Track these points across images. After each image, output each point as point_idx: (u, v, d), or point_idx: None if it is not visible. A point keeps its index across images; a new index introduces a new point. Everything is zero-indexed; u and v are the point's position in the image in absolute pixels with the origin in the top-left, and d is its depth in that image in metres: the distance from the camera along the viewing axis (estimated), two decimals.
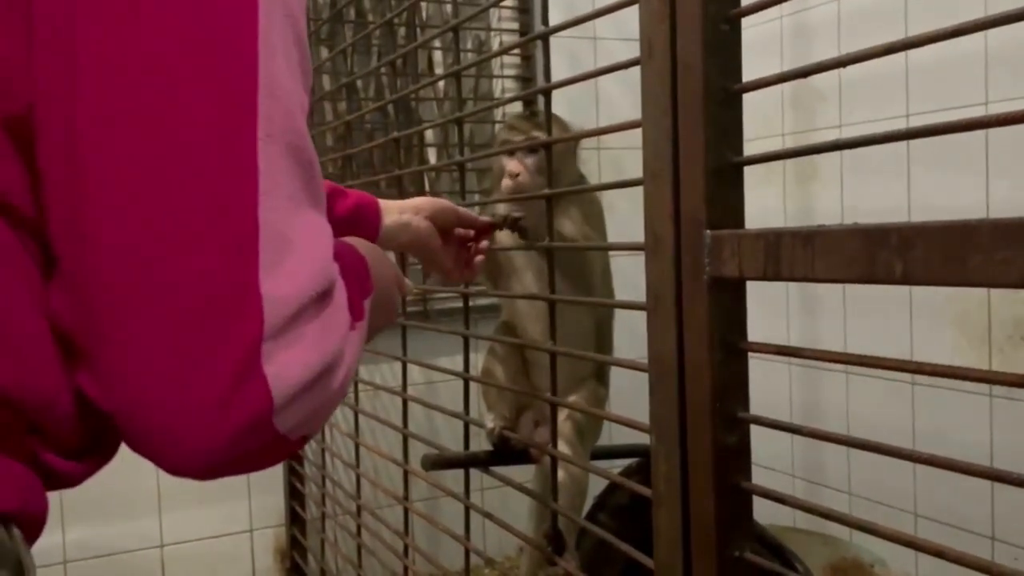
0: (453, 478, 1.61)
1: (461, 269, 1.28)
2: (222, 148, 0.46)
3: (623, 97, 2.70)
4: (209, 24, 0.47)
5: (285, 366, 0.47)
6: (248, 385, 0.46)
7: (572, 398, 1.69)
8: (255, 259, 0.46)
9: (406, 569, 1.74)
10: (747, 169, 0.72)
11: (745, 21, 0.72)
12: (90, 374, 0.47)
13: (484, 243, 1.30)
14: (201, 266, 0.45)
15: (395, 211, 1.17)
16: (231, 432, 0.46)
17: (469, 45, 2.76)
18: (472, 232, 1.28)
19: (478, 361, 1.87)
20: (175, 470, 0.48)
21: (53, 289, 0.48)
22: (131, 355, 0.45)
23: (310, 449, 2.43)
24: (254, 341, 0.46)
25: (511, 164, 1.62)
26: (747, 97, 0.72)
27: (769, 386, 2.63)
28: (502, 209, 1.41)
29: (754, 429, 0.73)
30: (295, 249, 0.48)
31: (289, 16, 0.51)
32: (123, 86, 0.45)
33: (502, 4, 2.75)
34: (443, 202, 1.23)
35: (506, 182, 1.62)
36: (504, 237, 1.69)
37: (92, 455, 0.53)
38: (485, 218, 1.32)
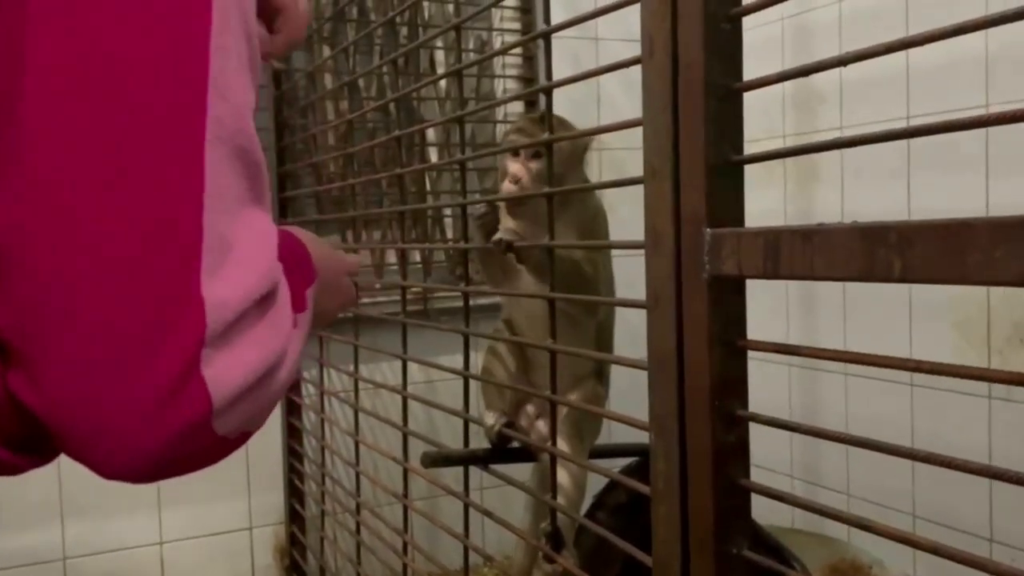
0: (453, 477, 1.62)
1: None
2: (169, 150, 0.46)
3: (625, 99, 2.70)
4: (160, 23, 0.46)
5: (225, 370, 0.47)
6: (186, 390, 0.45)
7: (571, 396, 1.70)
8: (197, 263, 0.46)
9: (405, 567, 1.74)
10: (747, 172, 0.72)
11: (746, 23, 0.72)
12: (22, 374, 0.46)
13: None
14: (142, 269, 0.45)
15: None
16: (168, 437, 0.46)
17: (471, 45, 2.76)
18: None
19: (478, 360, 1.87)
20: (111, 475, 0.47)
21: None
22: (66, 356, 0.44)
23: (310, 447, 2.43)
24: (194, 346, 0.45)
25: (514, 167, 1.61)
26: (748, 99, 0.72)
27: (768, 388, 2.64)
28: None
29: (752, 431, 0.73)
30: (239, 252, 0.48)
31: (242, 12, 0.50)
32: (69, 85, 0.44)
33: (504, 4, 2.76)
34: None
35: (507, 185, 1.61)
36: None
37: (31, 452, 0.51)
38: None
